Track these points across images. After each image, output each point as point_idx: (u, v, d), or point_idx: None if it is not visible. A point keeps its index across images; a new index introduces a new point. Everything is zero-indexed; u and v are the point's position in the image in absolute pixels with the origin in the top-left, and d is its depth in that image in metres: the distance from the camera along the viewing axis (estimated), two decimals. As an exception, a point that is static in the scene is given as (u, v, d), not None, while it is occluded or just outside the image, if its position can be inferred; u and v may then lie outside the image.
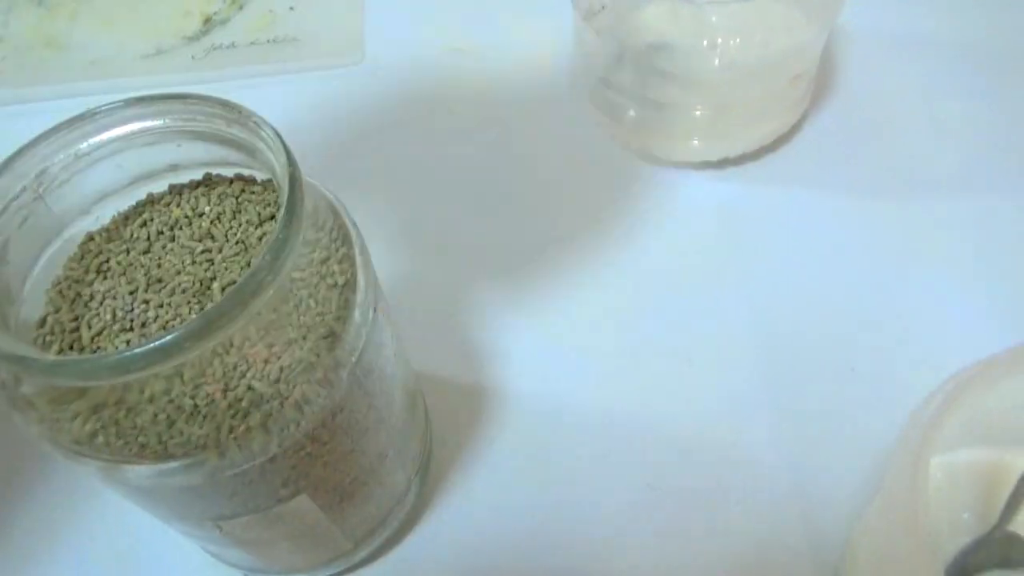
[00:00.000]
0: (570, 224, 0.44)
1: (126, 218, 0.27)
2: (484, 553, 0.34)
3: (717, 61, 0.42)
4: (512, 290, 0.42)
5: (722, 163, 0.46)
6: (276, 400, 0.23)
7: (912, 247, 0.42)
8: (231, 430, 0.23)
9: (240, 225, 0.26)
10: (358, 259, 0.25)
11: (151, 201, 0.27)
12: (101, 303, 0.25)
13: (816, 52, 0.44)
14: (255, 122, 0.23)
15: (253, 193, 0.27)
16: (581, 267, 0.43)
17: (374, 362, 0.26)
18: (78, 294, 0.25)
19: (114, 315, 0.25)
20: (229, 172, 0.28)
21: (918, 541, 0.23)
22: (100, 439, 0.23)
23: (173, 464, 0.22)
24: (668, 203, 0.45)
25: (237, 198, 0.27)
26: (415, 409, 0.33)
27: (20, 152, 0.23)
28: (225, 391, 0.23)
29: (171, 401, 0.23)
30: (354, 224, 0.26)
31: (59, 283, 0.26)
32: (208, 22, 0.55)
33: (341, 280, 0.25)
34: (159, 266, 0.26)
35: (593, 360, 0.39)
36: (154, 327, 0.24)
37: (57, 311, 0.25)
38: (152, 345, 0.20)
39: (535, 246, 0.44)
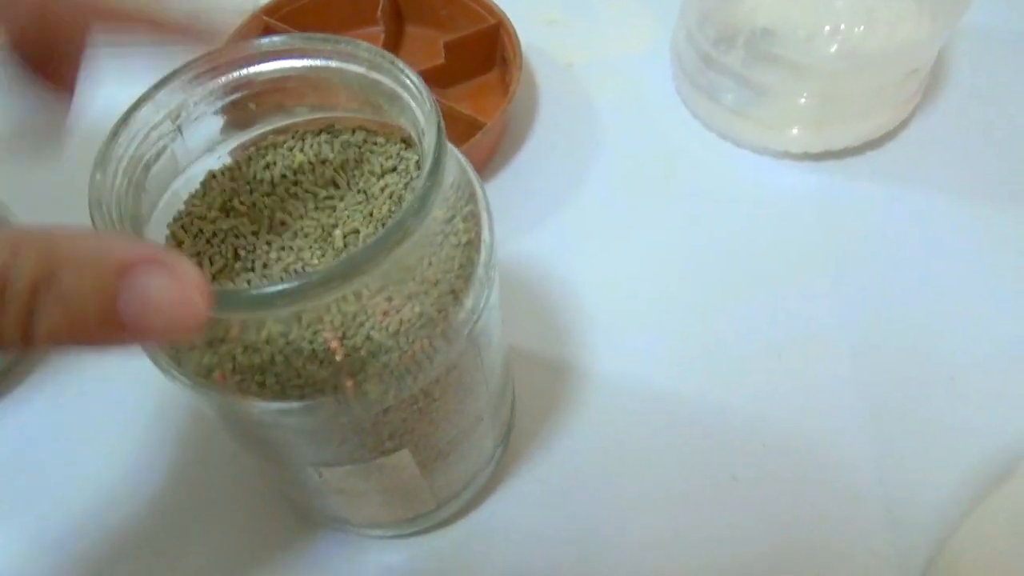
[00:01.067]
0: (661, 209, 0.44)
1: (249, 159, 0.27)
2: (556, 526, 0.34)
3: (835, 48, 0.41)
4: (602, 271, 0.41)
5: (822, 155, 0.44)
6: (395, 352, 0.23)
7: (1017, 256, 0.41)
8: (350, 377, 0.23)
9: (363, 175, 0.26)
10: (483, 217, 0.25)
11: (273, 144, 0.27)
12: (223, 241, 0.25)
13: (935, 48, 0.43)
14: (400, 68, 0.23)
15: (375, 144, 0.27)
16: (670, 253, 0.42)
17: (487, 323, 0.26)
18: (200, 230, 0.25)
19: (236, 254, 0.25)
20: (353, 121, 0.28)
21: None
22: (216, 373, 0.23)
23: (292, 404, 0.22)
24: (762, 193, 0.44)
25: (360, 147, 0.27)
26: (507, 376, 0.33)
27: (164, 81, 0.23)
28: (343, 339, 0.23)
29: (288, 343, 0.23)
30: (480, 182, 0.26)
31: (181, 218, 0.26)
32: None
33: (464, 239, 0.24)
34: (282, 209, 0.26)
35: (679, 347, 0.39)
36: (276, 268, 0.24)
37: (179, 245, 0.25)
38: (297, 283, 0.19)
39: (625, 228, 0.43)
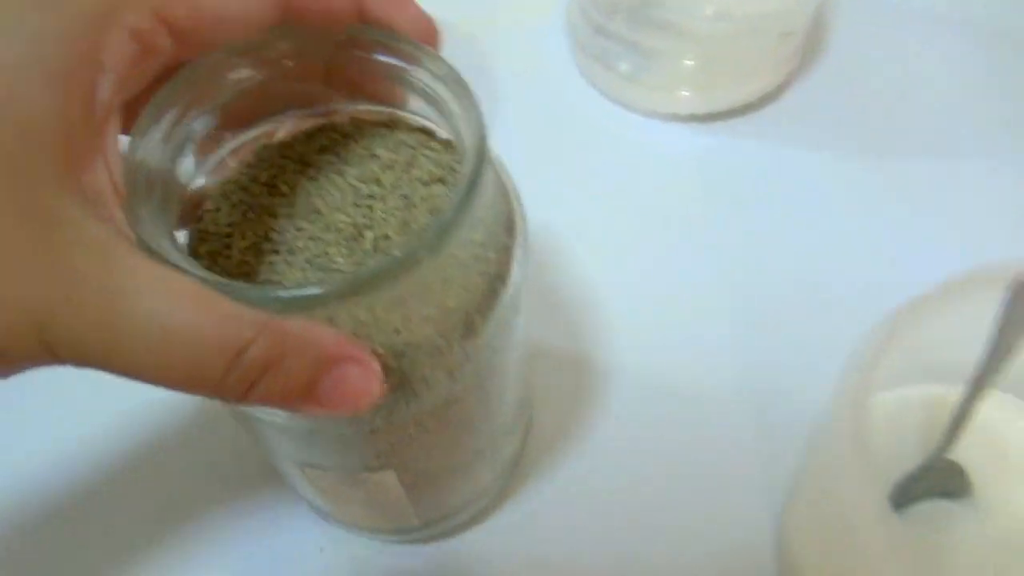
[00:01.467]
0: (562, 178, 0.44)
1: (308, 136, 0.26)
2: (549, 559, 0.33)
3: (711, 10, 0.42)
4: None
5: (709, 117, 0.46)
6: (395, 375, 0.22)
7: (886, 205, 0.43)
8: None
9: (409, 179, 0.25)
10: (516, 252, 0.23)
11: (332, 127, 0.27)
12: (259, 217, 0.25)
13: (807, 12, 0.45)
14: (457, 80, 0.22)
15: (431, 149, 0.26)
16: (570, 213, 0.42)
17: (500, 363, 0.24)
18: (240, 200, 0.25)
19: (267, 234, 0.24)
20: (417, 120, 0.26)
21: (861, 470, 0.24)
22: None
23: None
24: (655, 154, 0.45)
25: (414, 149, 0.26)
26: (520, 415, 0.31)
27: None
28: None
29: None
30: (523, 215, 0.24)
31: (227, 183, 0.26)
32: None
33: (493, 270, 0.23)
34: (320, 195, 0.25)
35: (571, 302, 0.39)
36: (300, 258, 0.24)
37: (217, 210, 0.25)
38: (309, 291, 0.19)
39: (527, 197, 0.42)
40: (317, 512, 0.32)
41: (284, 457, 0.25)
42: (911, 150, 0.45)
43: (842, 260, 0.41)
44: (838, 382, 0.26)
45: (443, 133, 0.26)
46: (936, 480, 0.31)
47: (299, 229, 0.24)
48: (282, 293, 0.19)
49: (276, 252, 0.24)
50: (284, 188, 0.25)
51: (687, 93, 0.46)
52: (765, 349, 0.38)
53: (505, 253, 0.23)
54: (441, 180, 0.25)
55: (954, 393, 0.30)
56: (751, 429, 0.36)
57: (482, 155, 0.20)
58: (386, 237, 0.24)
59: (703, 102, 0.46)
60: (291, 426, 0.22)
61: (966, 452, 0.30)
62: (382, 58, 0.23)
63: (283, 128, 0.27)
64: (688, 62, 0.45)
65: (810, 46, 0.49)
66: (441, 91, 0.22)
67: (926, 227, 0.42)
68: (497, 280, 0.23)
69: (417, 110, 0.25)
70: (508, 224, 0.24)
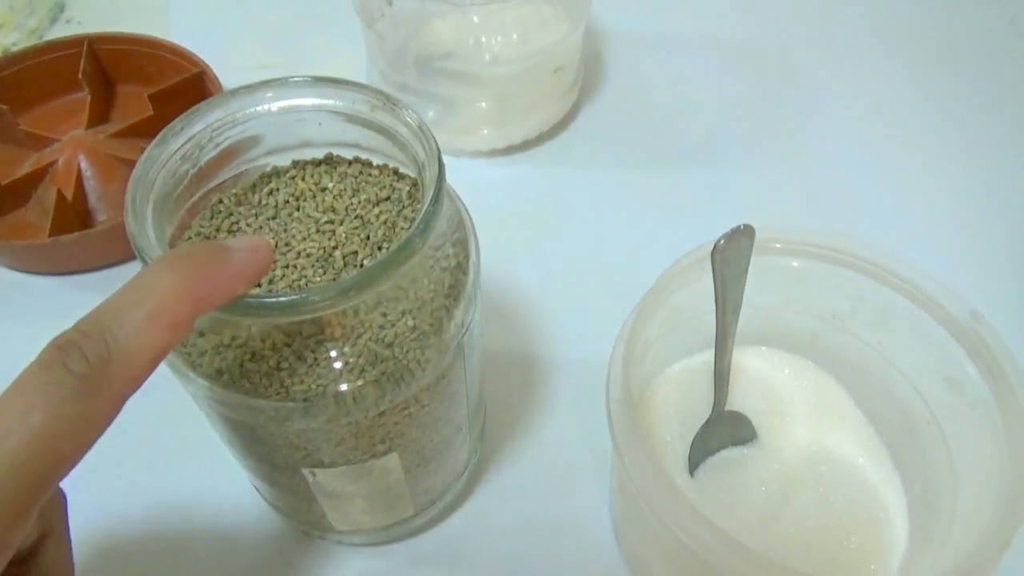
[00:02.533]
0: None
1: (253, 186, 0.30)
2: (523, 536, 0.37)
3: (488, 56, 0.48)
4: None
5: (509, 150, 0.53)
6: (391, 361, 0.26)
7: (665, 209, 0.50)
8: (350, 382, 0.25)
9: (359, 203, 0.29)
10: (471, 242, 0.28)
11: (276, 173, 0.30)
12: (231, 259, 0.27)
13: (574, 46, 0.51)
14: (402, 109, 0.26)
15: (370, 175, 0.30)
16: None
17: (472, 336, 0.29)
18: (209, 249, 0.28)
19: (243, 271, 0.27)
20: (349, 154, 0.30)
21: (636, 434, 0.28)
22: (226, 377, 0.25)
23: (297, 405, 0.25)
24: (469, 187, 0.51)
25: (356, 178, 0.30)
26: (483, 387, 0.35)
27: (191, 115, 0.26)
28: (343, 348, 0.25)
29: (292, 352, 0.25)
30: (467, 210, 0.29)
31: (191, 238, 0.28)
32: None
33: (454, 262, 0.27)
34: (285, 231, 0.28)
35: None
36: (281, 285, 0.27)
37: (190, 262, 0.27)
38: (322, 292, 0.22)
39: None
40: (317, 531, 0.34)
41: (295, 465, 0.28)
42: (684, 161, 0.53)
43: (637, 256, 0.44)
44: (611, 355, 0.31)
45: (377, 160, 0.30)
46: (726, 431, 0.35)
47: (274, 262, 0.27)
48: (281, 297, 0.22)
49: (257, 285, 0.27)
50: (248, 230, 0.28)
51: (486, 131, 0.51)
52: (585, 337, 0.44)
53: (461, 245, 0.28)
54: (388, 199, 0.29)
55: (735, 354, 0.34)
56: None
57: (441, 160, 0.25)
58: (353, 253, 0.27)
59: (501, 137, 0.52)
60: (307, 424, 0.25)
61: (747, 403, 0.36)
62: (324, 101, 0.27)
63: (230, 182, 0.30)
64: (482, 104, 0.50)
65: (591, 76, 0.58)
66: (387, 119, 0.26)
67: (700, 224, 0.45)
68: (459, 269, 0.27)
69: (362, 143, 0.29)
70: (458, 220, 0.28)
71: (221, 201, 0.29)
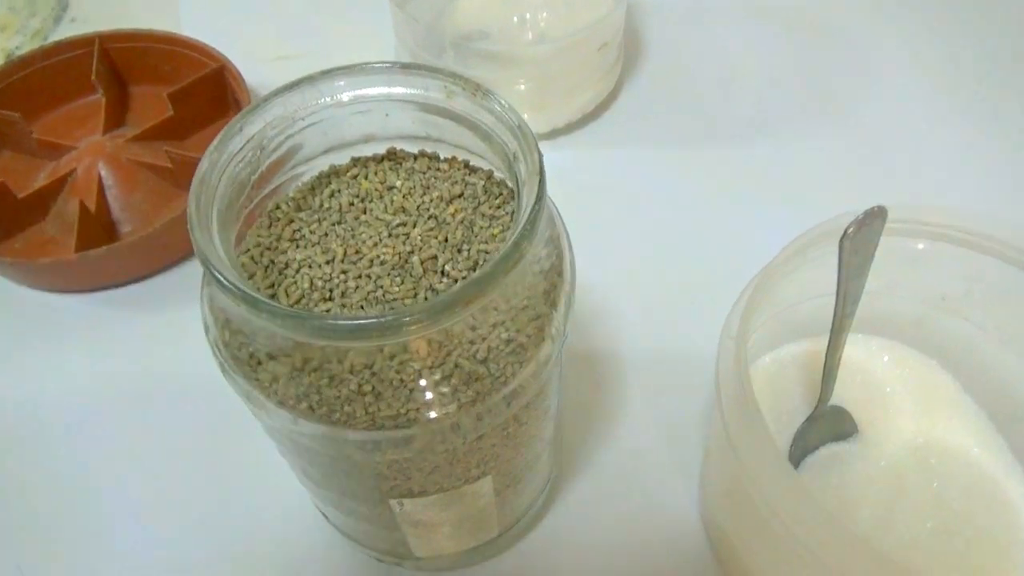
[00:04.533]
0: None
1: (312, 188, 0.27)
2: (607, 546, 0.34)
3: (530, 35, 0.46)
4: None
5: (552, 134, 0.50)
6: (487, 380, 0.23)
7: (722, 186, 0.47)
8: (444, 406, 0.22)
9: (431, 201, 0.26)
10: (563, 240, 0.25)
11: (335, 172, 0.27)
12: (297, 271, 0.25)
13: (618, 22, 0.48)
14: (488, 95, 0.23)
15: (439, 171, 0.27)
16: None
17: (565, 348, 0.26)
18: (272, 261, 0.25)
19: (312, 283, 0.24)
20: (412, 148, 0.27)
21: (755, 432, 0.25)
22: (304, 405, 0.22)
23: (384, 434, 0.22)
24: None
25: (424, 174, 0.27)
26: (562, 410, 0.33)
27: (254, 109, 0.23)
28: (431, 368, 0.23)
29: (374, 374, 0.22)
30: (556, 207, 0.26)
31: (249, 249, 0.25)
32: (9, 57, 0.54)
33: (547, 264, 0.24)
34: (353, 236, 0.25)
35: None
36: (355, 297, 0.24)
37: (251, 276, 0.25)
38: (425, 308, 0.19)
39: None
40: (392, 558, 0.31)
41: (381, 496, 0.25)
42: (735, 135, 0.50)
43: (699, 240, 0.44)
44: (716, 356, 0.28)
45: (444, 153, 0.27)
46: (826, 427, 0.33)
47: (343, 272, 0.24)
48: (370, 320, 0.19)
49: (328, 299, 0.24)
50: (312, 238, 0.25)
51: (527, 115, 0.46)
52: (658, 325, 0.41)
53: (554, 244, 0.25)
54: (461, 195, 0.26)
55: (820, 345, 0.32)
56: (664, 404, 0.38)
57: (540, 154, 0.22)
58: (433, 258, 0.25)
59: (543, 121, 0.49)
60: (400, 453, 0.23)
61: (847, 395, 0.33)
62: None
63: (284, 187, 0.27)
64: (521, 86, 0.47)
65: (630, 54, 0.54)
66: (474, 110, 0.24)
67: (759, 201, 0.46)
68: (553, 272, 0.24)
69: (433, 136, 0.26)
70: (548, 215, 0.25)
71: (279, 207, 0.26)
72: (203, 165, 0.22)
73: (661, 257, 0.44)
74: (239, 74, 0.48)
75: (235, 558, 0.34)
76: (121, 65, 0.51)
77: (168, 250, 0.44)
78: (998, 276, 0.30)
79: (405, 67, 0.24)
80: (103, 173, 0.46)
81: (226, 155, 0.22)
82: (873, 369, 0.34)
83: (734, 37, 0.56)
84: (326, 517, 0.32)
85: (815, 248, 0.29)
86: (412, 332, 0.20)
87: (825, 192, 0.46)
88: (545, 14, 0.45)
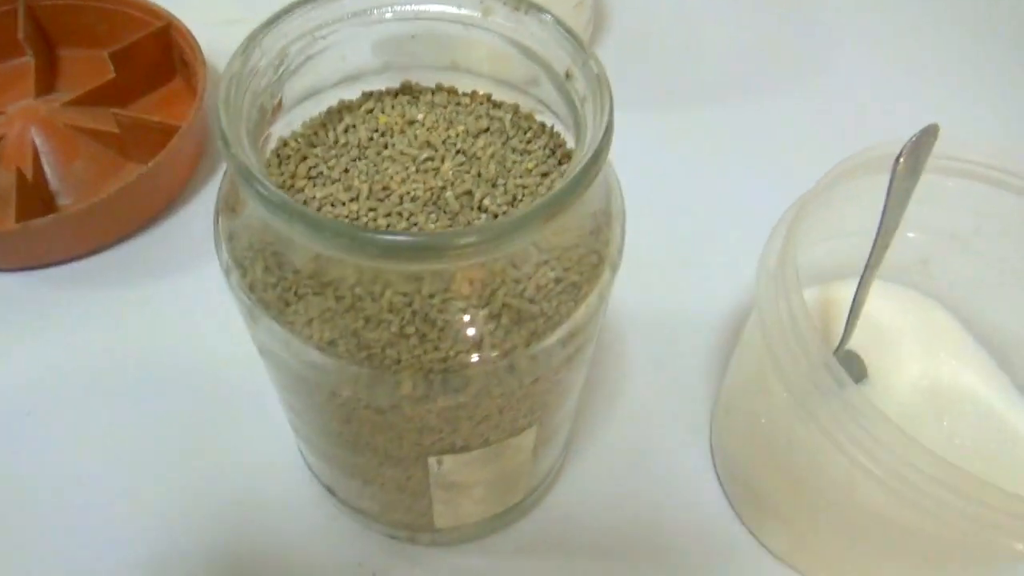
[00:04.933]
0: None
1: (323, 124, 0.24)
2: (622, 502, 0.33)
3: None
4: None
5: None
6: (541, 318, 0.21)
7: (696, 147, 0.47)
8: (499, 347, 0.20)
9: (458, 135, 0.24)
10: (613, 180, 0.24)
11: (346, 107, 0.25)
12: (319, 210, 0.22)
13: None
14: (532, 10, 0.21)
15: (460, 104, 0.25)
16: None
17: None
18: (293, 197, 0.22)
19: (338, 223, 0.22)
20: (430, 81, 0.25)
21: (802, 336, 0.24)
22: (341, 347, 0.20)
23: (435, 378, 0.20)
24: None
25: (446, 108, 0.25)
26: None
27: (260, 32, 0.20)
28: (479, 307, 0.21)
29: (415, 313, 0.20)
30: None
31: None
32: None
33: (597, 206, 0.23)
34: (378, 172, 0.23)
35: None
36: (388, 236, 0.22)
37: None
38: (486, 229, 0.17)
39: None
40: (406, 533, 0.29)
41: (419, 453, 0.23)
42: (708, 97, 0.50)
43: (683, 202, 0.44)
44: (759, 271, 0.27)
45: (464, 87, 0.25)
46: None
47: (372, 210, 0.22)
48: (423, 237, 0.17)
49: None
50: (332, 174, 0.23)
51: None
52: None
53: (603, 185, 0.23)
54: (487, 130, 0.24)
55: (830, 291, 0.32)
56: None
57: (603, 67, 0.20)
58: (467, 193, 0.23)
59: None
60: (453, 400, 0.21)
61: (856, 340, 0.32)
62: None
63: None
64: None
65: (599, 18, 0.53)
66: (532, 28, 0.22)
67: (741, 161, 0.46)
68: (602, 213, 0.23)
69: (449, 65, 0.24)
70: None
71: (286, 144, 0.24)
72: (227, 73, 0.19)
73: (645, 221, 0.43)
74: (189, 32, 0.44)
75: (227, 547, 0.31)
76: (50, 24, 0.47)
77: (119, 222, 0.40)
78: (1009, 208, 0.30)
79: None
80: (37, 140, 0.42)
81: (249, 67, 0.20)
82: (879, 314, 0.34)
83: (700, 6, 0.56)
84: (332, 492, 0.30)
85: (847, 182, 0.29)
86: (468, 254, 0.18)
87: (810, 146, 0.44)
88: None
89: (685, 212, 0.44)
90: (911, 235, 0.33)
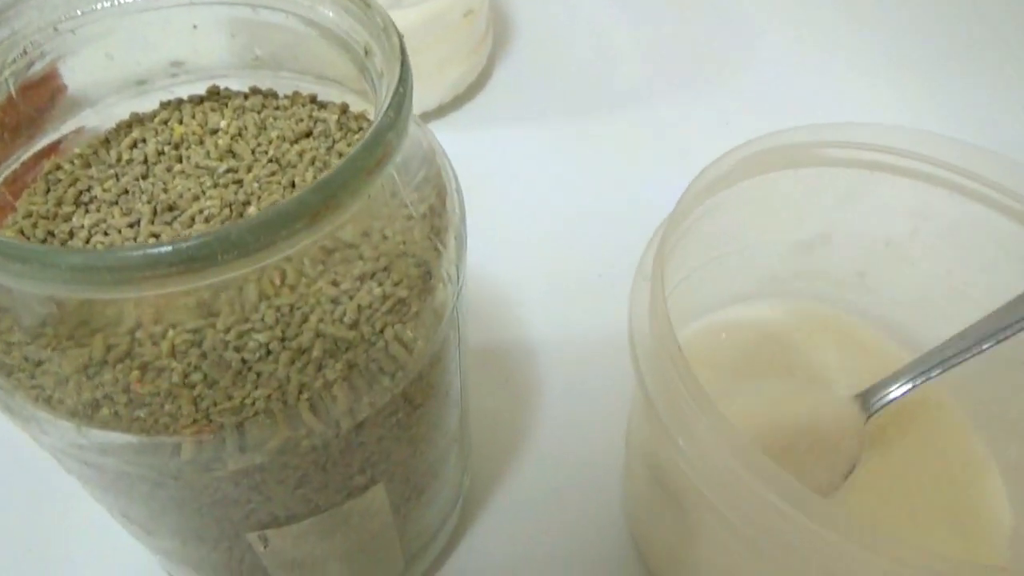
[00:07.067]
0: None
1: (106, 141, 0.20)
2: (535, 565, 0.28)
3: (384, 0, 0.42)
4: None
5: (424, 117, 0.45)
6: (361, 347, 0.17)
7: (605, 155, 0.45)
8: (306, 388, 0.16)
9: (270, 142, 0.20)
10: (446, 176, 0.20)
11: (137, 121, 0.21)
12: (88, 241, 0.18)
13: None
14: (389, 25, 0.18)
15: (277, 108, 0.21)
16: None
17: (464, 301, 0.20)
18: (50, 232, 0.18)
19: (108, 253, 0.18)
20: (239, 84, 0.22)
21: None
22: (106, 411, 0.16)
23: (225, 435, 0.16)
24: None
25: (259, 112, 0.21)
26: (466, 408, 0.27)
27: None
28: (283, 340, 0.17)
29: (204, 356, 0.16)
30: (438, 142, 0.21)
31: (18, 222, 0.19)
32: None
33: (423, 208, 0.19)
34: (166, 191, 0.19)
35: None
36: (172, 263, 0.18)
37: (20, 253, 0.18)
38: (259, 220, 0.13)
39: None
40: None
41: (235, 531, 0.19)
42: (617, 103, 0.48)
43: (596, 214, 0.41)
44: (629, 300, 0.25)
45: (283, 88, 0.22)
46: None
47: (154, 235, 0.18)
48: (162, 248, 0.13)
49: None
50: (107, 197, 0.19)
51: None
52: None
53: (430, 185, 0.19)
54: (309, 134, 0.21)
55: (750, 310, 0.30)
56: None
57: (405, 58, 0.17)
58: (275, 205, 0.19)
59: (413, 104, 0.43)
60: (250, 461, 0.16)
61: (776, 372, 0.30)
62: None
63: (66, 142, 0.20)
64: None
65: (499, 30, 0.51)
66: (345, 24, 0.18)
67: (651, 165, 0.44)
68: (433, 214, 0.19)
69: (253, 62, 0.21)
70: (426, 149, 0.20)
71: (59, 167, 0.20)
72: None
73: (558, 236, 0.40)
74: None
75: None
76: None
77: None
78: (950, 210, 0.26)
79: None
80: None
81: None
82: (806, 344, 0.31)
83: (605, 10, 0.54)
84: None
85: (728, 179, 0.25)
86: (249, 255, 0.14)
87: (720, 145, 0.43)
88: (401, -23, 0.41)
89: (600, 224, 0.40)
90: (839, 244, 0.29)
